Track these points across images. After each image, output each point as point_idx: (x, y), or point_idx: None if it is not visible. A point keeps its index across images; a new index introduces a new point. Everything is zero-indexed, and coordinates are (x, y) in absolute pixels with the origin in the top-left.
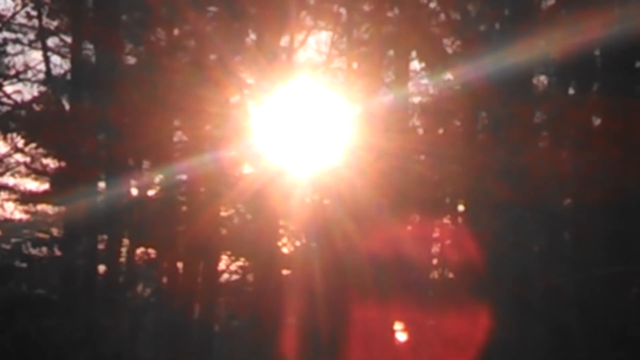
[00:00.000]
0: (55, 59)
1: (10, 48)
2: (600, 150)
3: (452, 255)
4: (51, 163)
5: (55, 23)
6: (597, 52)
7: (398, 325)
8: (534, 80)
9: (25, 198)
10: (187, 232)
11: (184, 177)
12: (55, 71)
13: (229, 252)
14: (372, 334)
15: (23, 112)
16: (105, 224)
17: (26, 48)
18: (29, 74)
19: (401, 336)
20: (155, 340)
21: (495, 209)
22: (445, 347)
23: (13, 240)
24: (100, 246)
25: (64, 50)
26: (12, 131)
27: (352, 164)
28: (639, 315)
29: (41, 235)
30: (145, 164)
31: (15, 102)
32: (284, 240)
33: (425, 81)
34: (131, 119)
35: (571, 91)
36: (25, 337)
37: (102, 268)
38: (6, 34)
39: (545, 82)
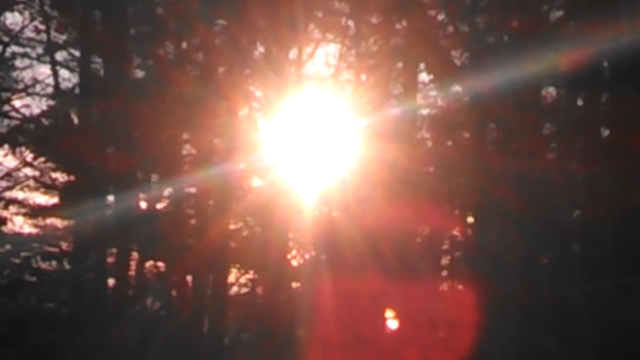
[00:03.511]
0: (63, 72)
1: (18, 62)
2: (609, 161)
3: (461, 267)
4: (60, 177)
5: (63, 37)
6: (605, 64)
7: (389, 313)
8: (543, 92)
9: (35, 212)
10: (196, 245)
11: (192, 190)
12: (64, 85)
13: (238, 265)
14: (385, 344)
15: (32, 126)
16: (115, 238)
17: (34, 62)
18: (38, 88)
19: (392, 324)
20: (165, 353)
21: (504, 221)
22: None
23: (22, 254)
24: (110, 260)
25: (73, 64)
26: (21, 145)
27: (361, 176)
28: None
29: (50, 249)
30: (154, 177)
31: (24, 116)
32: (293, 252)
33: (433, 93)
34: (140, 132)
35: (580, 102)
36: (35, 350)
37: (111, 281)
38: (15, 48)
39: (554, 93)
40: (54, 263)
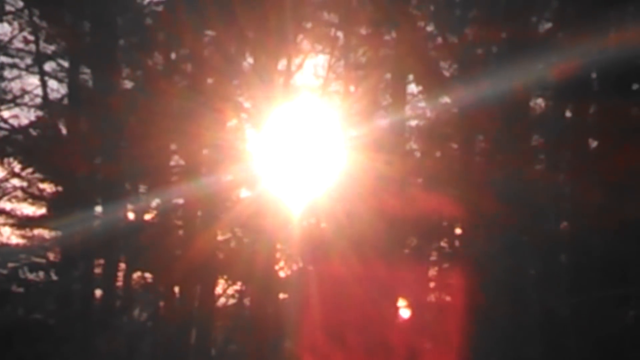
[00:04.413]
0: (52, 83)
1: (7, 73)
2: (597, 173)
3: (448, 279)
4: (48, 187)
5: (52, 47)
6: (593, 75)
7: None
8: (531, 103)
9: (22, 222)
10: (184, 256)
11: (180, 201)
12: (52, 95)
13: (225, 276)
14: (372, 355)
15: (20, 137)
16: (102, 249)
17: (23, 72)
18: (26, 99)
19: (405, 313)
20: None
21: (492, 232)
22: None
23: (10, 264)
24: (97, 270)
25: (61, 74)
26: (9, 155)
27: (349, 187)
28: (636, 338)
29: (38, 259)
30: (142, 188)
31: (12, 126)
32: (281, 264)
33: (422, 104)
34: (128, 143)
35: (568, 114)
36: None
37: (98, 292)
38: (3, 59)
39: (542, 105)
40: (41, 274)
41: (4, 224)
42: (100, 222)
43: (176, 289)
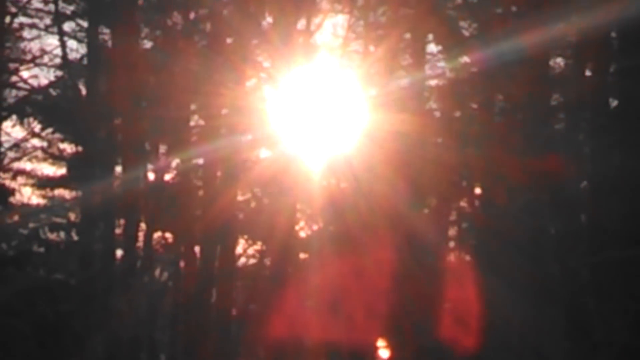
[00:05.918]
0: (71, 43)
1: (26, 33)
2: (616, 132)
3: (468, 238)
4: (68, 148)
5: (71, 7)
6: (614, 34)
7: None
8: (551, 63)
9: (43, 183)
10: (204, 216)
11: (200, 161)
12: (72, 56)
13: (245, 236)
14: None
15: (39, 97)
16: (123, 209)
17: (42, 33)
18: (46, 59)
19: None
20: (172, 324)
21: (512, 192)
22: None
23: (31, 225)
24: (118, 231)
25: (80, 34)
26: (28, 116)
27: (369, 147)
28: None
29: (58, 220)
30: (162, 148)
31: (32, 86)
32: (301, 224)
33: (442, 64)
34: (148, 103)
35: (588, 73)
36: (43, 321)
37: (119, 252)
38: (22, 19)
39: (562, 64)
40: (62, 234)
41: (25, 184)
42: (120, 183)
43: (197, 249)
